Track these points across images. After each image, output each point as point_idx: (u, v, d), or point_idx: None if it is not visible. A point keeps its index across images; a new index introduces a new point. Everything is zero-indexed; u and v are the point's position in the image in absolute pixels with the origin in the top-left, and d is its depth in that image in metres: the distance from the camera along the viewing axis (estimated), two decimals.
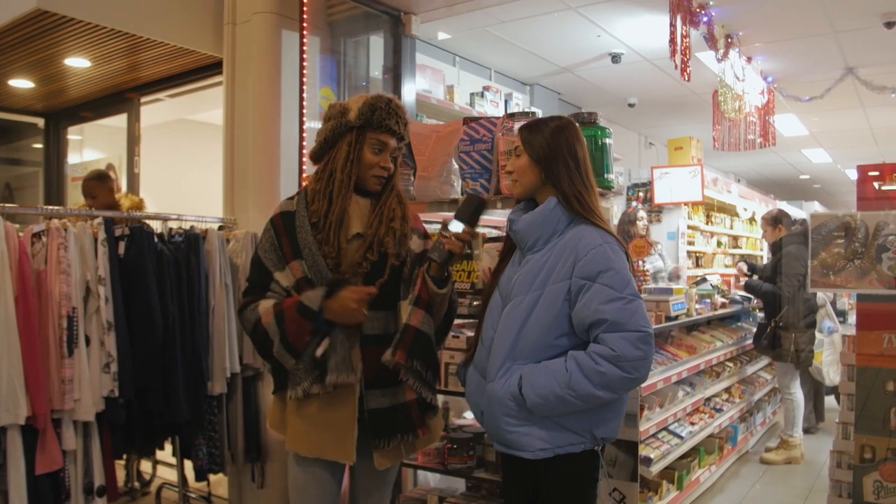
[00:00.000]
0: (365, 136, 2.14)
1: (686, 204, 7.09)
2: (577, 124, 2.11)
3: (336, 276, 2.06)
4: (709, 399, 4.74)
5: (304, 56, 3.47)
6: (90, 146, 6.61)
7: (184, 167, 7.00)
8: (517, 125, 2.54)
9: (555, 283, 1.94)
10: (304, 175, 3.40)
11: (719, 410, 4.79)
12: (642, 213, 5.35)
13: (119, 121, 5.63)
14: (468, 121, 2.88)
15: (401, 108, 2.21)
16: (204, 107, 6.10)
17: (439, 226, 2.12)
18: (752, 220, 9.44)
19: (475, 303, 2.77)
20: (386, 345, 2.08)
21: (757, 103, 6.26)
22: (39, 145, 6.30)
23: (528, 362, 1.94)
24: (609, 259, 1.92)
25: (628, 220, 5.32)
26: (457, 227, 2.07)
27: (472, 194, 2.18)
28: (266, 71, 3.76)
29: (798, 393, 5.18)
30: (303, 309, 2.02)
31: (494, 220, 4.91)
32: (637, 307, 1.89)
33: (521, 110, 4.35)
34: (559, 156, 2.02)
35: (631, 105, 7.70)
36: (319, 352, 2.04)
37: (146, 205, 4.87)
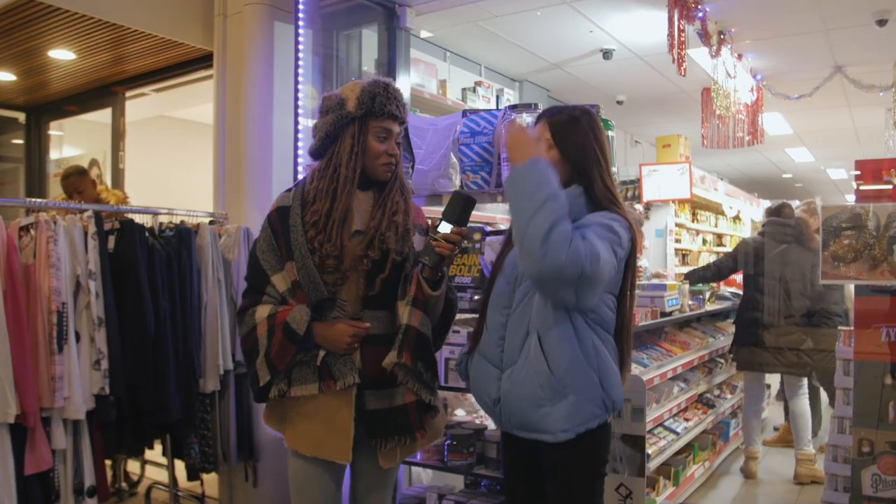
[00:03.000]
0: (368, 126, 2.08)
1: (674, 201, 7.12)
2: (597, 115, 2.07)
3: (320, 295, 2.01)
4: (701, 395, 4.75)
5: (300, 48, 3.41)
6: (71, 142, 6.50)
7: (168, 164, 6.92)
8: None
9: None
10: (300, 168, 3.34)
11: (712, 406, 4.80)
12: None
13: (101, 116, 5.54)
14: (468, 113, 2.84)
15: (398, 91, 2.15)
16: (189, 102, 6.02)
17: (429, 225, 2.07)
18: (736, 218, 9.50)
19: (476, 297, 2.73)
20: (385, 344, 2.04)
21: (746, 101, 6.29)
22: (20, 141, 6.18)
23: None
24: (609, 224, 1.88)
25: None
26: (445, 228, 2.01)
27: (458, 191, 2.07)
28: (258, 63, 3.70)
29: (799, 401, 4.63)
30: (288, 331, 2.00)
31: (488, 216, 4.89)
32: (608, 253, 1.81)
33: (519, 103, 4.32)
34: (592, 155, 1.98)
35: (619, 103, 7.70)
36: (319, 360, 2.02)
37: (130, 201, 4.79)
